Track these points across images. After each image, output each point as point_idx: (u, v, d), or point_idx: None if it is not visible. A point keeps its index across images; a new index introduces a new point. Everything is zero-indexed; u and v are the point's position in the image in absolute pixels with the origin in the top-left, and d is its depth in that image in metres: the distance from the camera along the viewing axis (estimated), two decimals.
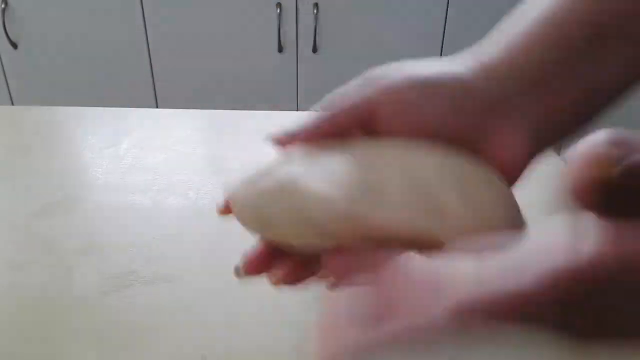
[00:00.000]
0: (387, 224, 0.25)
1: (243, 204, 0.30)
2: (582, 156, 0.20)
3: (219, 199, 0.33)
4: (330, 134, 0.31)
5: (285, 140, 0.31)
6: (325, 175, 0.27)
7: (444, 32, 1.58)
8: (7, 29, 1.57)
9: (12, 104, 1.68)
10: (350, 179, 0.27)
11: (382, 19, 1.57)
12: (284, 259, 0.31)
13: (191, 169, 0.70)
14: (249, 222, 0.30)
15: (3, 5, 1.54)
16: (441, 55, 1.59)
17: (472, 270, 0.21)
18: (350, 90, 0.31)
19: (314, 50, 1.59)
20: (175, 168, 0.70)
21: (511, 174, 0.30)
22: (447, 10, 1.56)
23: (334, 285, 0.27)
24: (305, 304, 0.48)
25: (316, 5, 1.54)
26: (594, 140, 0.21)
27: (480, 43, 0.33)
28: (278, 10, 1.54)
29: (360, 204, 0.26)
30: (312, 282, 0.31)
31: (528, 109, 0.30)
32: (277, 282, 0.31)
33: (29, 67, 1.64)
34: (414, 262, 0.22)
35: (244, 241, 0.56)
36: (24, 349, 0.44)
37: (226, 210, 0.32)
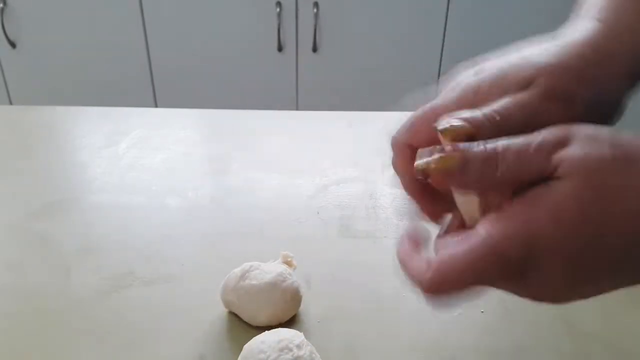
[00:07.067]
0: None
1: None
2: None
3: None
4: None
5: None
6: None
7: (444, 32, 1.58)
8: (6, 29, 1.56)
9: (11, 103, 1.68)
10: None
11: (382, 18, 1.57)
12: None
13: (190, 169, 0.70)
14: None
15: (2, 5, 1.53)
16: (441, 55, 1.58)
17: None
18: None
19: (314, 49, 1.59)
20: (174, 168, 0.69)
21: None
22: (447, 10, 1.55)
23: None
24: (304, 304, 0.48)
25: (316, 4, 1.54)
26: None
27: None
28: (278, 9, 1.54)
29: None
30: None
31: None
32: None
33: (27, 67, 1.64)
34: None
35: (244, 241, 0.55)
36: (22, 349, 0.44)
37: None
